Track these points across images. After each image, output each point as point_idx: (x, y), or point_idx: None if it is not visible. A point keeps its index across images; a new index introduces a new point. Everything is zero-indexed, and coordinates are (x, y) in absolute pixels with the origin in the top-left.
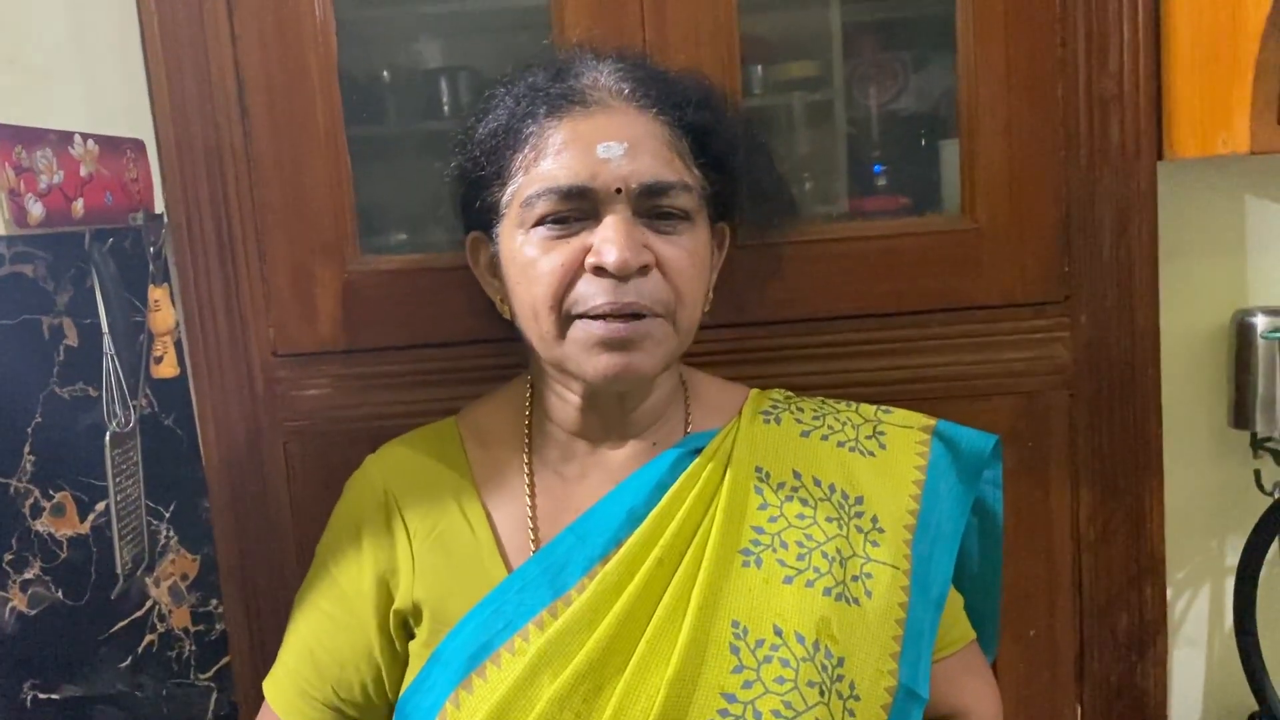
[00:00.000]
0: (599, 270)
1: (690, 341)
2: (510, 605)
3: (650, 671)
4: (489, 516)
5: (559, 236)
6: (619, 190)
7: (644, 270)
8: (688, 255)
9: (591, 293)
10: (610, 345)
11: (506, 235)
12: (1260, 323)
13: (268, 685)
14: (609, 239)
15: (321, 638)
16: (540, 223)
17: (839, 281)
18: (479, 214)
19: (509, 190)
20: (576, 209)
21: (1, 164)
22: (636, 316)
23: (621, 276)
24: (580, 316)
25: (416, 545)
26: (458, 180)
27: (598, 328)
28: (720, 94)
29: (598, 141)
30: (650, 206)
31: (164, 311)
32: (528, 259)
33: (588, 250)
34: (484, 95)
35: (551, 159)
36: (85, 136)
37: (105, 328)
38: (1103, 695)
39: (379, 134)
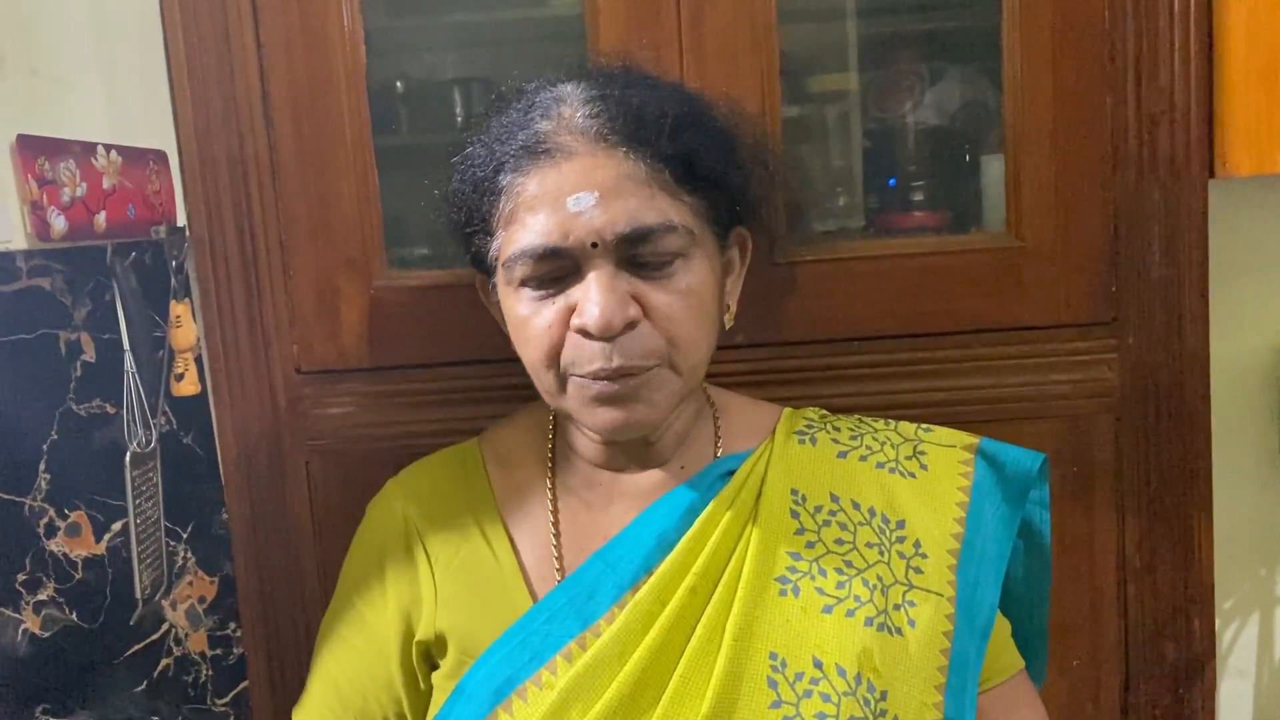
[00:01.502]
0: (584, 332)
1: (701, 376)
2: (536, 636)
3: (684, 706)
4: (513, 543)
5: (545, 296)
6: (595, 245)
7: (631, 325)
8: (681, 299)
9: (584, 357)
10: (606, 401)
11: (501, 289)
12: None
13: (297, 715)
14: (590, 299)
15: (344, 667)
16: (524, 284)
17: (878, 300)
18: (476, 260)
19: (494, 244)
20: (555, 269)
21: (24, 176)
22: (629, 375)
23: (606, 338)
24: (575, 375)
25: (439, 573)
26: (452, 229)
27: (591, 386)
28: (703, 103)
29: (567, 194)
30: (634, 255)
31: (185, 327)
32: (520, 318)
33: (573, 309)
34: (464, 137)
35: (524, 218)
36: (108, 148)
37: (126, 345)
38: None
39: (399, 145)
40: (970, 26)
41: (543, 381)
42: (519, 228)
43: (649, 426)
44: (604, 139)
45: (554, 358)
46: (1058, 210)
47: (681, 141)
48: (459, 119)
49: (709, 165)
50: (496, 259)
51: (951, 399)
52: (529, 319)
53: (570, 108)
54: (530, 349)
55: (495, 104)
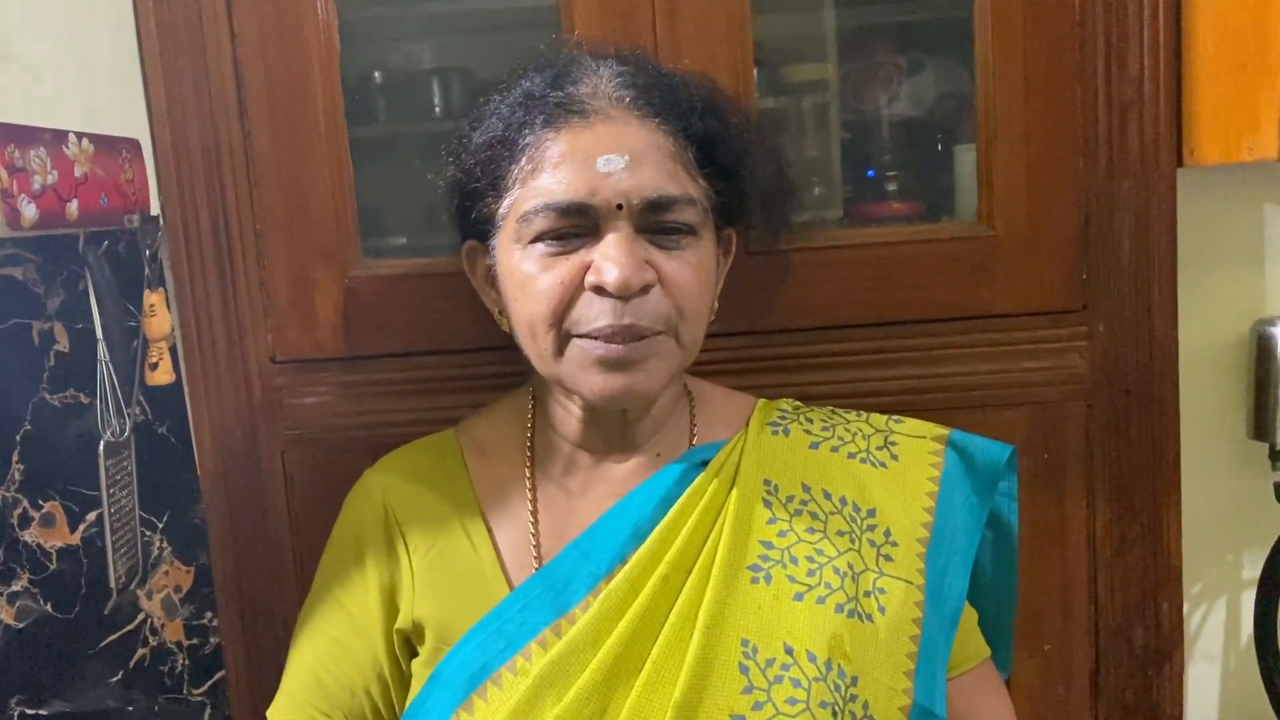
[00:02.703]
0: (599, 289)
1: (696, 354)
2: (512, 624)
3: (657, 692)
4: (490, 532)
5: (557, 253)
6: (620, 206)
7: (645, 289)
8: (692, 271)
9: (591, 314)
10: (609, 365)
11: (503, 248)
12: None
13: (272, 715)
14: (610, 257)
15: (329, 664)
16: (538, 239)
17: (850, 289)
18: (474, 224)
19: (505, 203)
20: (576, 225)
21: None
22: (638, 337)
23: (623, 296)
24: (579, 336)
25: (416, 562)
26: (452, 189)
27: (596, 348)
28: (727, 97)
29: (598, 154)
30: (653, 222)
31: (160, 317)
32: (525, 275)
33: (587, 267)
34: (479, 101)
35: (549, 173)
36: (80, 136)
37: (100, 334)
38: (1118, 711)
39: (376, 135)
40: (946, 18)
41: (540, 343)
42: (543, 181)
43: (644, 397)
44: (638, 107)
45: (558, 316)
46: (1029, 199)
47: (708, 123)
48: (437, 109)
49: (725, 155)
50: (506, 216)
51: (924, 386)
52: (534, 277)
53: (606, 75)
54: (534, 305)
55: (520, 69)
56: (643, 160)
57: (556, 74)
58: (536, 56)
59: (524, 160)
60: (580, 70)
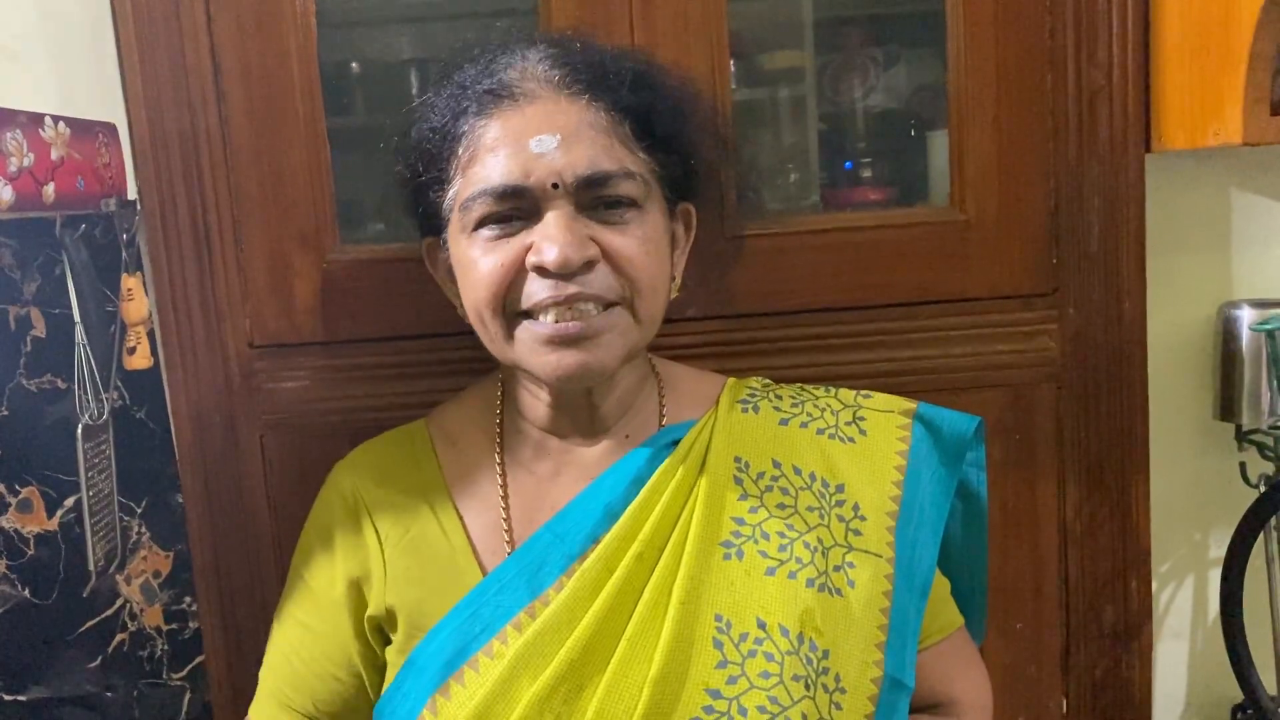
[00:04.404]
0: (540, 269)
1: (655, 330)
2: (488, 608)
3: (632, 669)
4: (461, 519)
5: (499, 237)
6: (556, 185)
7: (589, 265)
8: (638, 244)
9: (533, 291)
10: (560, 343)
11: (453, 239)
12: (1246, 315)
13: (254, 708)
14: (549, 236)
15: (299, 649)
16: (480, 225)
17: (825, 273)
18: (426, 218)
19: (449, 194)
20: (515, 208)
21: None
22: (585, 312)
23: (563, 276)
24: (525, 316)
25: (388, 550)
26: (401, 187)
27: (543, 328)
28: (661, 69)
29: (530, 136)
30: (593, 198)
31: (137, 301)
32: (470, 260)
33: (529, 249)
34: (417, 98)
35: (485, 159)
36: (56, 119)
37: (78, 317)
38: (1088, 687)
39: (354, 125)
40: (920, 9)
41: (489, 329)
42: (479, 168)
43: (600, 373)
44: (567, 86)
45: (500, 299)
46: (1000, 184)
47: (641, 95)
48: (415, 100)
49: (665, 125)
50: (451, 207)
51: (897, 369)
52: (478, 260)
53: (534, 58)
54: (478, 290)
55: (454, 58)
56: (576, 138)
57: (487, 61)
58: (466, 47)
59: (461, 150)
60: (509, 56)
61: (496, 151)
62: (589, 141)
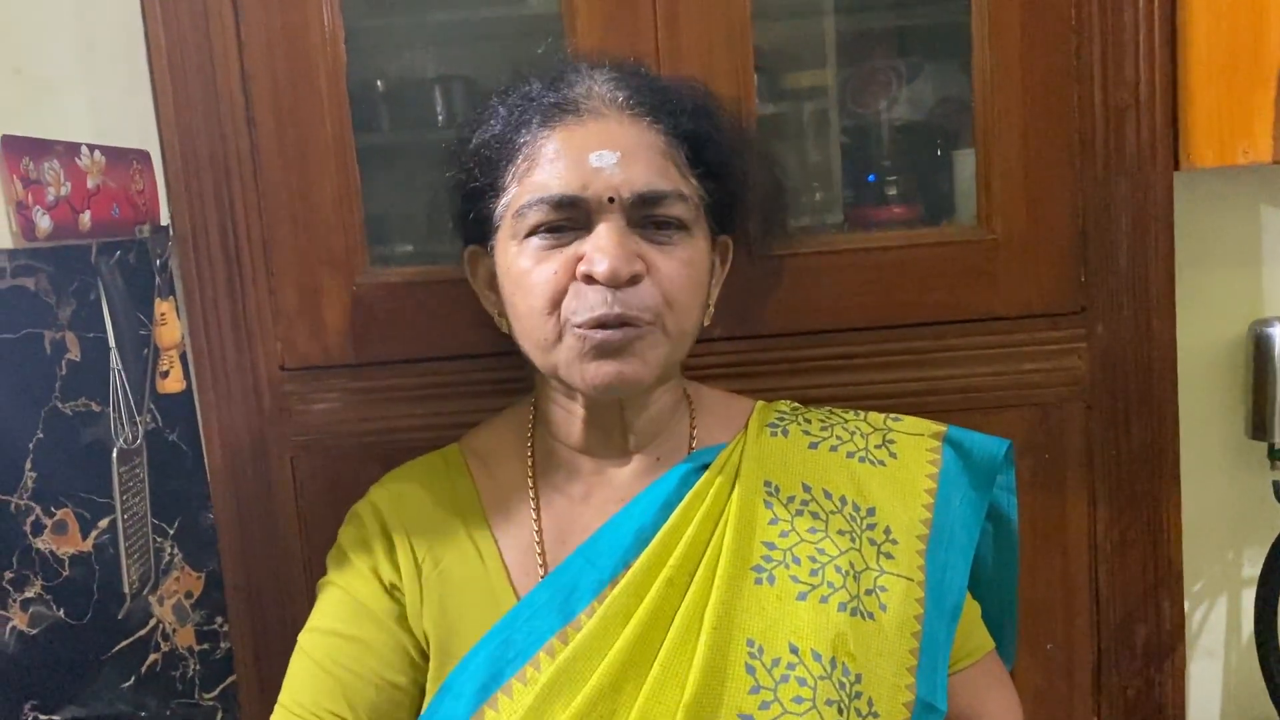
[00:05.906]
0: (589, 279)
1: (686, 349)
2: (520, 633)
3: (665, 694)
4: (497, 543)
5: (552, 246)
6: (611, 199)
7: (635, 279)
8: (682, 265)
9: (583, 305)
10: (602, 352)
11: (502, 247)
12: (1278, 333)
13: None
14: (600, 247)
15: (348, 662)
16: (533, 233)
17: (852, 292)
18: (475, 226)
19: (503, 201)
20: (569, 218)
21: (9, 176)
22: (627, 324)
23: (612, 285)
24: (575, 326)
25: (425, 577)
26: (453, 192)
27: (592, 337)
28: (718, 102)
29: (590, 150)
30: (644, 216)
31: (170, 325)
32: (521, 270)
33: (580, 259)
34: (479, 106)
35: (544, 168)
36: (92, 148)
37: (112, 342)
38: (1120, 708)
39: (382, 144)
40: (944, 23)
41: (540, 331)
42: (538, 177)
43: (637, 385)
44: (629, 108)
45: (555, 305)
46: (1027, 203)
47: (699, 123)
48: (440, 118)
49: (716, 156)
50: (504, 214)
51: (925, 389)
52: (529, 271)
53: (600, 78)
54: (532, 297)
55: (518, 77)
56: (634, 156)
57: (554, 78)
58: (535, 63)
59: (520, 159)
60: (575, 74)
61: (556, 162)
62: (646, 161)
